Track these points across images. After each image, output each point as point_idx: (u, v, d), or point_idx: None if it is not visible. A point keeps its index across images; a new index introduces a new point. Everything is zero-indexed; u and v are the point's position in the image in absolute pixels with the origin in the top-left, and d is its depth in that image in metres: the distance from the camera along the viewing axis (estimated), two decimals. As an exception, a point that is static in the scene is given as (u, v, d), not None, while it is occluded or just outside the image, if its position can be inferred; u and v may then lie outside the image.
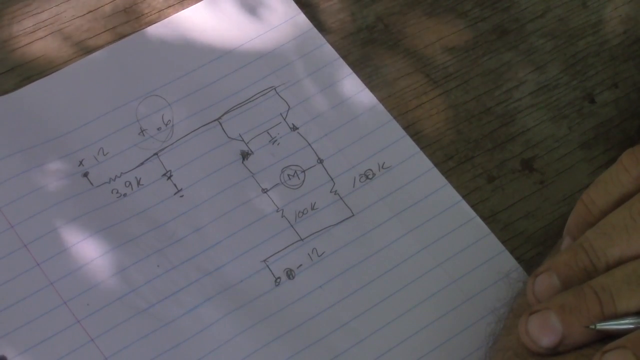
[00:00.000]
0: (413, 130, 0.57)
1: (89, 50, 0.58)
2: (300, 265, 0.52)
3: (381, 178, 0.55)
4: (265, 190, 0.54)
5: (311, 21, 0.60)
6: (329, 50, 0.59)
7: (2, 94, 0.56)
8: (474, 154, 0.57)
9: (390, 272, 0.52)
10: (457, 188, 0.55)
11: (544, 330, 0.42)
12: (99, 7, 0.60)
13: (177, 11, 0.60)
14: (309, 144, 0.56)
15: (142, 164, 0.55)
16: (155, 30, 0.59)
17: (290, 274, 0.52)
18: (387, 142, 0.56)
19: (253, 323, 0.50)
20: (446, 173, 0.56)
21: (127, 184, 0.54)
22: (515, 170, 0.56)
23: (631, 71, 0.61)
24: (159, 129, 0.56)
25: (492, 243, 0.53)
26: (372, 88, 0.58)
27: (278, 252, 0.53)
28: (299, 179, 0.55)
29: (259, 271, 0.52)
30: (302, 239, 0.53)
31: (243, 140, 0.56)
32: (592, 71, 0.60)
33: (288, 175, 0.55)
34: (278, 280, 0.52)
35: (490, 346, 0.46)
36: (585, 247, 0.43)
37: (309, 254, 0.53)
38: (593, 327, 0.41)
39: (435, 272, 0.52)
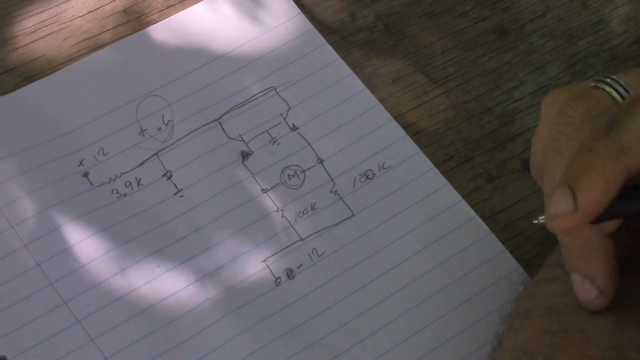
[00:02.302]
0: (413, 130, 0.57)
1: (89, 50, 0.58)
2: (301, 265, 0.52)
3: (381, 178, 0.55)
4: (265, 190, 0.54)
5: (311, 21, 0.60)
6: (328, 51, 0.59)
7: (2, 94, 0.56)
8: (474, 154, 0.57)
9: (390, 272, 0.52)
10: (457, 188, 0.55)
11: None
12: (99, 7, 0.60)
13: (177, 11, 0.60)
14: (309, 144, 0.56)
15: (142, 164, 0.55)
16: (155, 30, 0.59)
17: (290, 274, 0.52)
18: (387, 142, 0.56)
19: (253, 323, 0.50)
20: (446, 173, 0.56)
21: (127, 184, 0.54)
22: (515, 170, 0.56)
23: (631, 71, 0.60)
24: (159, 129, 0.56)
25: (492, 243, 0.53)
26: (372, 88, 0.58)
27: (278, 252, 0.53)
28: (299, 179, 0.55)
29: (259, 271, 0.52)
30: (302, 239, 0.53)
31: (243, 140, 0.56)
32: (592, 71, 0.60)
33: (288, 175, 0.55)
34: (278, 280, 0.52)
35: (494, 347, 0.46)
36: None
37: (309, 254, 0.53)
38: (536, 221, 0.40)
39: (435, 272, 0.52)
